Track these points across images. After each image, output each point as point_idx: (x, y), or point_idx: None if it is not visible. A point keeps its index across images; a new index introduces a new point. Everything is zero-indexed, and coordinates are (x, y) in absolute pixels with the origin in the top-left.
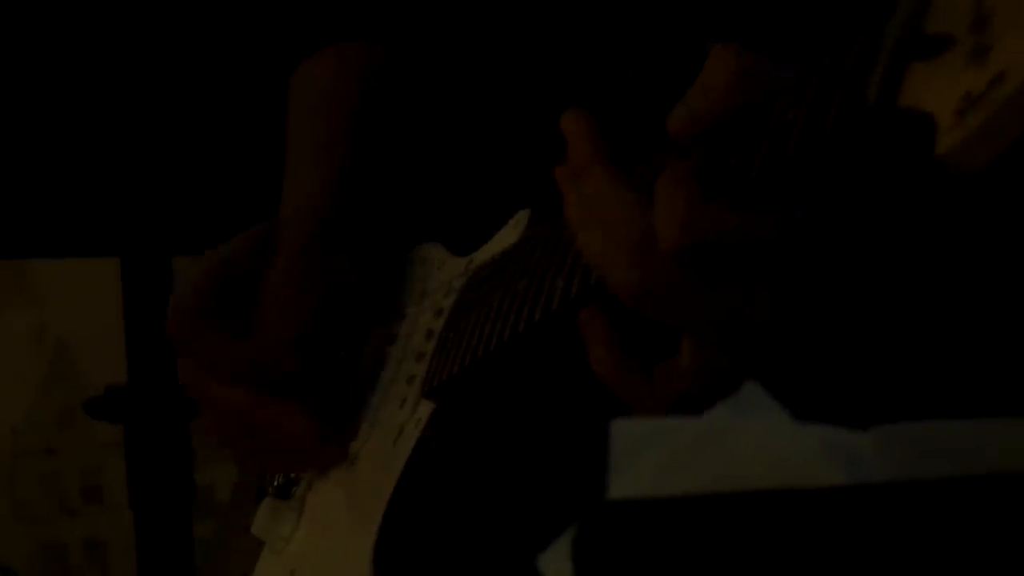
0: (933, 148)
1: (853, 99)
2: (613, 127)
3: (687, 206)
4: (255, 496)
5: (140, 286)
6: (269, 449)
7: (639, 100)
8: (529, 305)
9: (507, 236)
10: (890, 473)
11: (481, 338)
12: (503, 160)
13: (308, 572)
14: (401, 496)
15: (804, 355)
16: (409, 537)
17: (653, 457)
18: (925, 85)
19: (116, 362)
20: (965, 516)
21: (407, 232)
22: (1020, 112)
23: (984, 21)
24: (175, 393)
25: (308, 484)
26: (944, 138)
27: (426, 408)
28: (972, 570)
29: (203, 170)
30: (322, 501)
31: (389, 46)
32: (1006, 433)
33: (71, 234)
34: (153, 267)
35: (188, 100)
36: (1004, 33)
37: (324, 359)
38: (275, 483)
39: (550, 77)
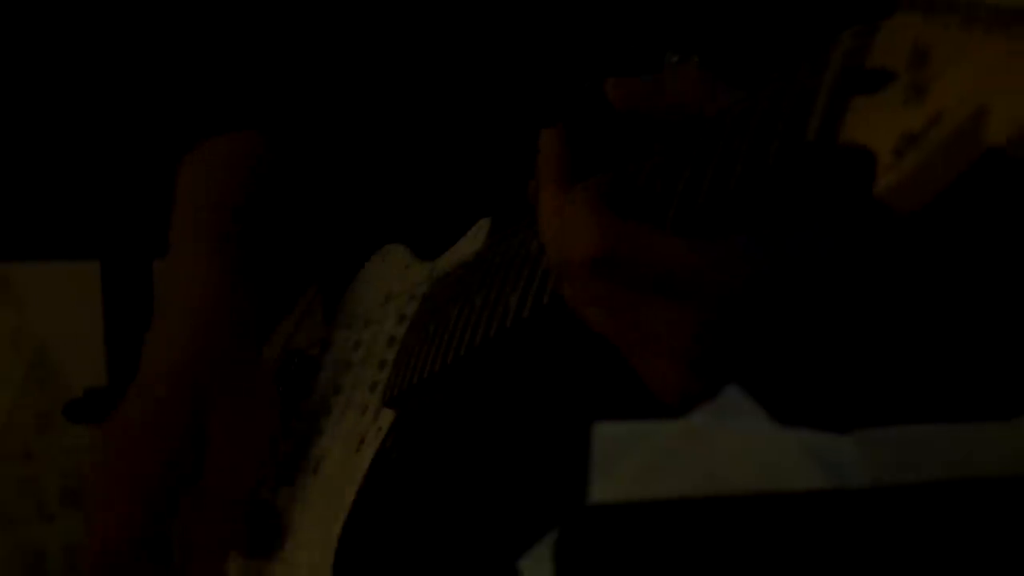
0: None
1: (794, 132)
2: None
3: (593, 221)
4: None
5: (120, 289)
6: None
7: (597, 112)
8: (485, 321)
9: (468, 245)
10: (872, 477)
11: (439, 351)
12: (464, 165)
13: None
14: (360, 506)
15: (740, 368)
16: (367, 547)
17: (634, 460)
18: (866, 121)
19: (96, 365)
20: (948, 520)
21: (370, 233)
22: (956, 154)
23: (923, 57)
24: None
25: (275, 487)
26: (882, 178)
27: (387, 417)
28: (951, 572)
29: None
30: (288, 498)
31: (278, 130)
32: (988, 437)
33: (50, 238)
34: (133, 271)
35: (164, 108)
36: (941, 71)
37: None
38: None
39: (512, 86)
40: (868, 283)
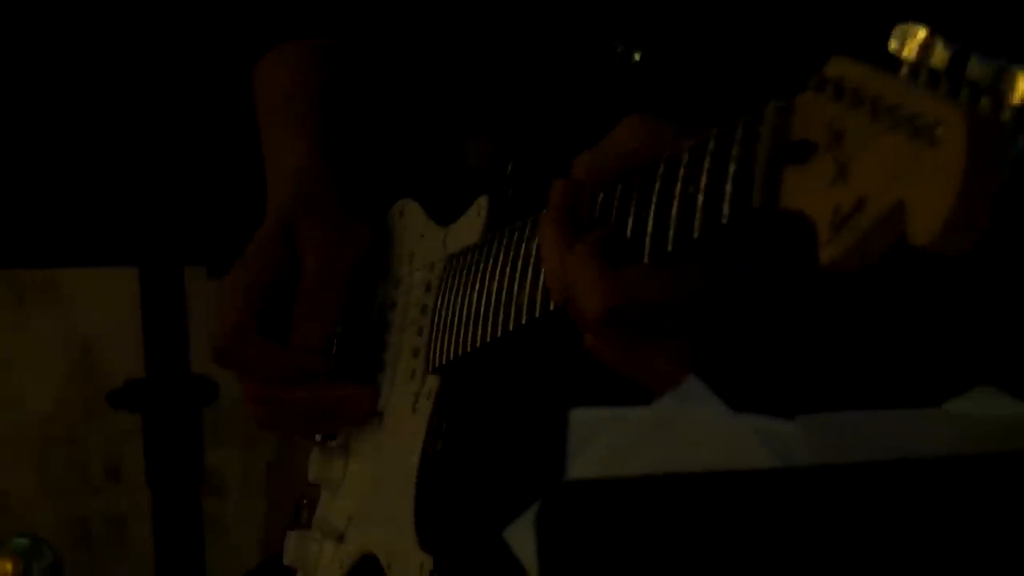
0: (816, 244)
1: (742, 198)
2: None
3: (600, 281)
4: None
5: (156, 291)
6: (325, 420)
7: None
8: (504, 313)
9: (472, 223)
10: (815, 457)
11: (470, 332)
12: (458, 132)
13: (363, 523)
14: (426, 470)
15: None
16: (440, 500)
17: (607, 442)
18: (801, 190)
19: (135, 358)
20: (879, 495)
21: (386, 188)
22: (882, 236)
23: (838, 137)
24: (187, 385)
25: (347, 433)
26: (826, 250)
27: (433, 382)
28: (884, 541)
29: (210, 193)
30: (362, 450)
31: (342, 39)
32: (917, 422)
33: (96, 246)
34: (167, 275)
35: (201, 136)
36: (856, 154)
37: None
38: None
39: (509, 61)
40: (811, 291)
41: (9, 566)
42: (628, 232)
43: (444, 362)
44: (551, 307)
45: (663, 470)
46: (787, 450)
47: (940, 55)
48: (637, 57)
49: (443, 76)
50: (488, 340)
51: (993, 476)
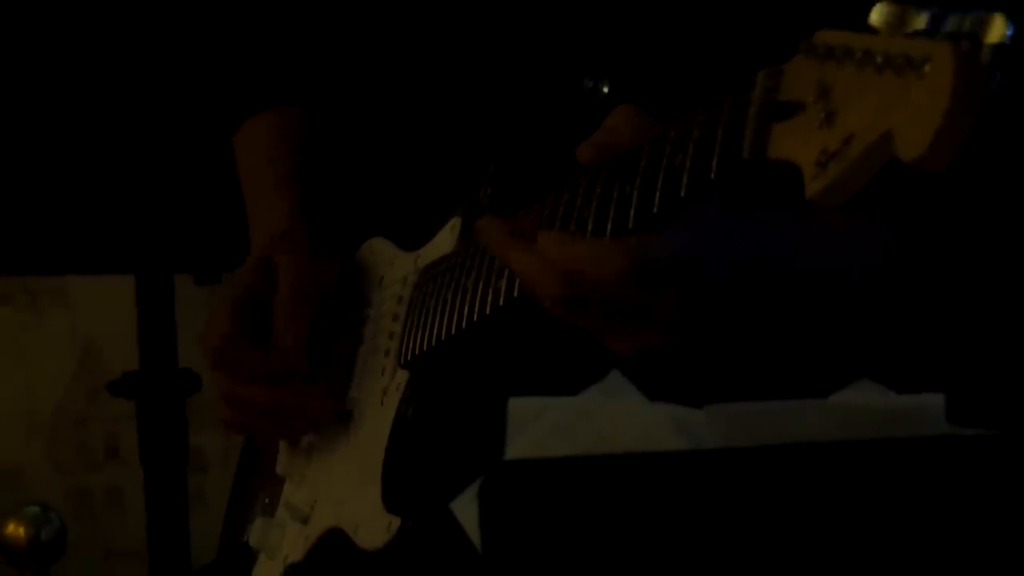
0: (802, 189)
1: (731, 152)
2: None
3: (616, 247)
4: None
5: (150, 296)
6: (287, 424)
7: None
8: (480, 300)
9: (446, 238)
10: (720, 441)
11: (443, 323)
12: (434, 170)
13: (328, 504)
14: (394, 447)
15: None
16: (405, 474)
17: (542, 427)
18: (787, 141)
19: (131, 354)
20: (775, 475)
21: (358, 229)
22: (868, 166)
23: (827, 91)
24: (175, 377)
25: (313, 434)
26: (811, 184)
27: (403, 375)
28: (778, 515)
29: (198, 212)
30: (327, 447)
31: (315, 106)
32: (808, 411)
33: (99, 257)
34: (160, 282)
35: (193, 162)
36: (844, 101)
37: (321, 348)
38: None
39: (473, 99)
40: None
41: (22, 531)
42: (612, 204)
43: (416, 354)
44: (515, 293)
45: (590, 451)
46: (696, 435)
47: (919, 19)
48: (606, 90)
49: (420, 116)
50: (463, 327)
51: (872, 459)
